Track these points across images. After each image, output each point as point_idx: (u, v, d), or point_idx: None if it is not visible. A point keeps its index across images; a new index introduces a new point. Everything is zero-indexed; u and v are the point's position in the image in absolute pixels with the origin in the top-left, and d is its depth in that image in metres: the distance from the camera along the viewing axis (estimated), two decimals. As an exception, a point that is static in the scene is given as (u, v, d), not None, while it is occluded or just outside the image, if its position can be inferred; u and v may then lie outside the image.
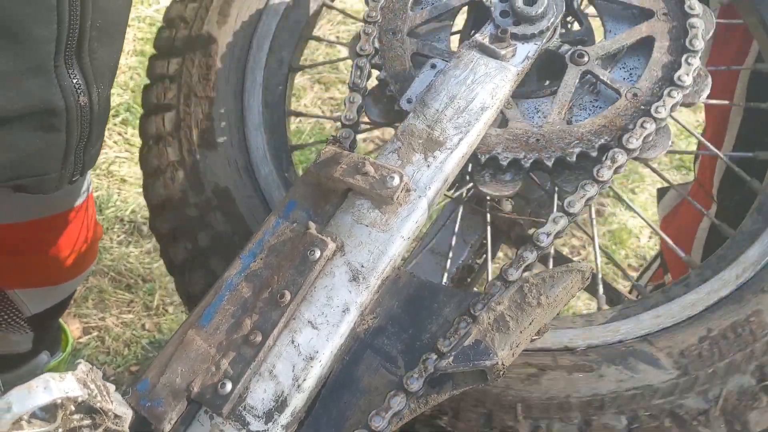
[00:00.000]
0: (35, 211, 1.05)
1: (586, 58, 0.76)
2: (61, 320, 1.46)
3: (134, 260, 2.20)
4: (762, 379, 0.68)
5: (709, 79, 0.76)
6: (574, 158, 0.73)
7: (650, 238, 2.66)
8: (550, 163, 0.74)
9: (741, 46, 1.12)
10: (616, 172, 0.72)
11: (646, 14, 0.78)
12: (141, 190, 2.43)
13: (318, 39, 1.00)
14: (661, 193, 1.48)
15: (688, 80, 0.74)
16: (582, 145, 0.73)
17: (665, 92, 0.73)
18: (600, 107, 0.77)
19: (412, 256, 0.96)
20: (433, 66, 0.77)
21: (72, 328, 2.08)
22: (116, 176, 2.38)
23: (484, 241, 1.01)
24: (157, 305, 2.11)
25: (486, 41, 0.75)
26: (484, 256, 1.01)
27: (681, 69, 0.74)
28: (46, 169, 0.80)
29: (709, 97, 1.26)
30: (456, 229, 0.93)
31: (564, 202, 0.70)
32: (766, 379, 0.68)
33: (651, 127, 0.72)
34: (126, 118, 2.51)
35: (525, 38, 0.76)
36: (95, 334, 2.03)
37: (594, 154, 0.73)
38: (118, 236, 2.25)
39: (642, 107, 0.74)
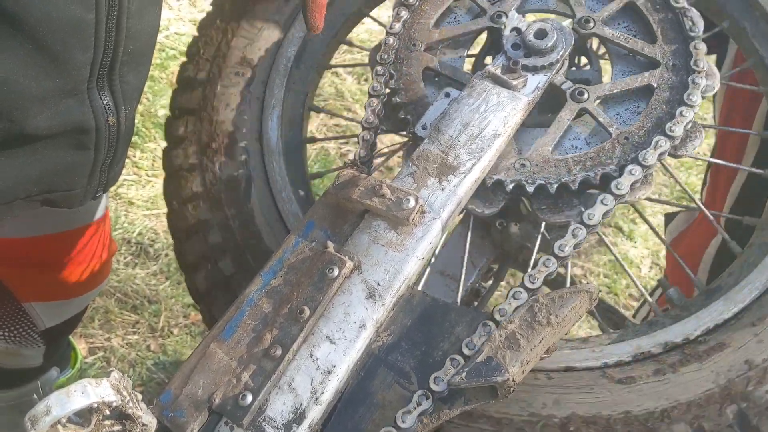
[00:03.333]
0: (57, 225, 1.08)
1: (585, 96, 0.80)
2: (70, 337, 1.48)
3: (140, 281, 2.22)
4: None
5: (702, 134, 0.79)
6: (554, 188, 0.77)
7: (651, 268, 2.69)
8: (531, 189, 0.77)
9: (747, 111, 1.16)
10: (604, 216, 0.75)
11: (653, 64, 0.82)
12: (148, 213, 2.46)
13: (331, 66, 1.03)
14: (669, 218, 1.51)
15: (678, 131, 0.77)
16: (565, 176, 0.77)
17: (654, 140, 0.77)
18: (588, 144, 0.80)
19: (422, 277, 0.98)
20: (447, 94, 0.81)
21: (78, 347, 2.09)
22: (124, 198, 2.42)
23: (492, 265, 1.04)
24: (162, 326, 2.13)
25: (498, 72, 0.79)
26: (491, 279, 1.03)
27: (673, 120, 0.77)
28: (73, 184, 0.83)
29: (719, 157, 1.29)
30: (465, 252, 0.96)
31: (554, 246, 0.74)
32: None
33: (637, 173, 0.75)
34: (134, 142, 2.55)
35: (535, 69, 0.80)
36: (101, 354, 2.05)
37: (573, 187, 0.77)
38: (125, 257, 2.28)
39: (630, 152, 0.77)
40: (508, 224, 0.91)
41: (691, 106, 0.77)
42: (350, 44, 1.06)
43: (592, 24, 0.84)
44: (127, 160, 2.52)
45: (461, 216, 0.93)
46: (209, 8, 1.06)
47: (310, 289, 0.70)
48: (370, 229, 0.72)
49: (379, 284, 0.70)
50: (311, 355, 0.68)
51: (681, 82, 0.79)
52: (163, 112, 2.67)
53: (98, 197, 0.89)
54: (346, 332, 0.68)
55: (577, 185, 0.76)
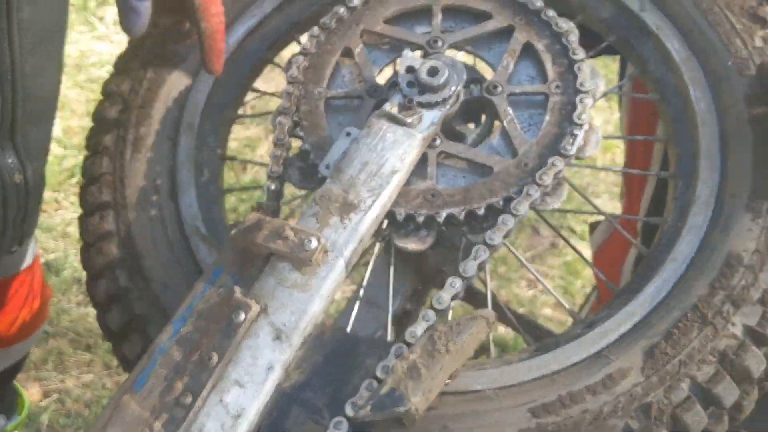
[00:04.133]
0: None
1: (436, 143, 0.84)
2: (16, 383, 1.47)
3: (93, 320, 2.20)
4: None
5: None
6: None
7: (603, 268, 2.74)
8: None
9: (650, 118, 1.21)
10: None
11: (514, 154, 0.85)
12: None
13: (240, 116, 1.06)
14: (593, 227, 1.56)
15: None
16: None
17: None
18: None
19: (349, 309, 1.01)
20: (348, 134, 0.84)
21: (31, 391, 2.07)
22: (72, 237, 2.40)
23: (416, 288, 1.07)
24: (117, 364, 2.11)
25: (394, 111, 0.82)
26: (415, 303, 1.07)
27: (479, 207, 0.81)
28: None
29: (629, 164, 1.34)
30: (389, 280, 0.99)
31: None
32: None
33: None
34: (79, 179, 2.54)
35: (430, 106, 0.83)
36: (55, 396, 2.03)
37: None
38: (77, 297, 2.26)
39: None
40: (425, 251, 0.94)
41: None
42: (259, 91, 1.08)
43: (498, 90, 0.87)
44: (75, 198, 2.50)
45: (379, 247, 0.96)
46: None
47: (219, 335, 0.72)
48: (275, 272, 0.75)
49: (285, 325, 0.72)
50: (221, 401, 0.70)
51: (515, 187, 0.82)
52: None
53: (14, 252, 0.90)
54: (254, 376, 0.70)
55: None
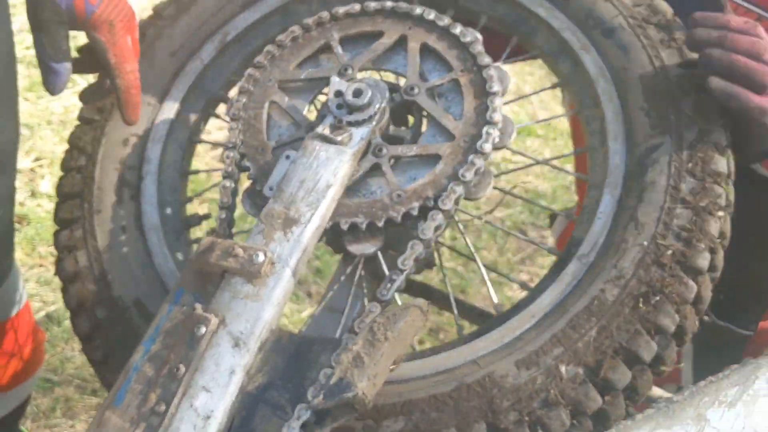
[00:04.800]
0: None
1: (383, 152, 0.93)
2: (23, 428, 1.55)
3: (97, 365, 2.29)
4: None
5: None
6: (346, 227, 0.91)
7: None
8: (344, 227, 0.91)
9: None
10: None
11: (451, 137, 0.94)
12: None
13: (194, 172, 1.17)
14: (552, 218, 1.65)
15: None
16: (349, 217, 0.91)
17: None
18: (373, 195, 0.93)
19: (312, 317, 1.09)
20: (288, 156, 0.93)
21: (30, 437, 2.14)
22: (71, 287, 2.48)
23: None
24: (124, 404, 2.18)
25: (326, 131, 0.92)
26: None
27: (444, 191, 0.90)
28: None
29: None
30: (350, 287, 1.07)
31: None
32: None
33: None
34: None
35: (358, 124, 0.92)
36: (66, 442, 2.10)
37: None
38: (79, 345, 2.34)
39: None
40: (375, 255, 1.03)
41: (463, 182, 0.89)
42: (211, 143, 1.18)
43: (415, 91, 0.97)
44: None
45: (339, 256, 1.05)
46: None
47: (184, 349, 0.80)
48: (229, 287, 0.83)
49: (242, 333, 0.81)
50: (191, 405, 0.78)
51: (463, 160, 0.91)
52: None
53: None
54: (218, 380, 0.79)
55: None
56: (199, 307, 0.83)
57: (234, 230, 0.98)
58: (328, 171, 0.89)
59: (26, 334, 1.28)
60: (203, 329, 0.80)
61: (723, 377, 0.71)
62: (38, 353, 1.34)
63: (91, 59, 1.04)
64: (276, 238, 0.85)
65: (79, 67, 1.04)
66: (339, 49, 1.01)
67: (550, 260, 2.87)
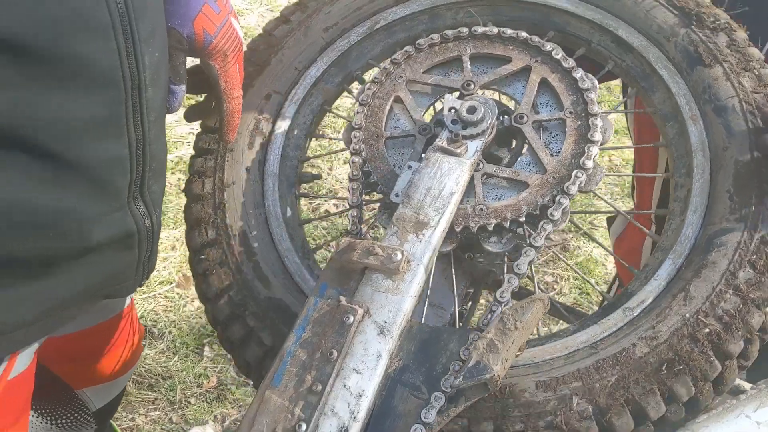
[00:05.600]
0: (98, 317, 1.27)
1: (525, 117, 1.06)
2: (112, 422, 1.65)
3: (151, 361, 2.38)
4: None
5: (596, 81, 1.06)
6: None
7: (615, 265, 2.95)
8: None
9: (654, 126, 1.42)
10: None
11: (543, 170, 1.04)
12: (145, 296, 2.61)
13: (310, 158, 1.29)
14: (610, 221, 1.76)
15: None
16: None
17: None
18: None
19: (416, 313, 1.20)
20: (410, 167, 1.04)
21: (118, 429, 2.24)
22: (122, 287, 2.58)
23: (468, 290, 1.26)
24: (180, 399, 2.29)
25: (445, 144, 1.03)
26: (470, 302, 1.26)
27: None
28: (125, 278, 1.03)
29: (638, 165, 1.55)
30: (447, 285, 1.18)
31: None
32: None
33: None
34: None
35: (472, 137, 1.04)
36: (128, 434, 2.20)
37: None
38: (133, 342, 2.44)
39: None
40: (474, 256, 1.14)
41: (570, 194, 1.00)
42: (321, 136, 1.30)
43: (524, 120, 1.07)
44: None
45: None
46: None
47: (334, 336, 0.91)
48: (371, 282, 0.94)
49: (386, 322, 0.91)
50: (344, 385, 0.88)
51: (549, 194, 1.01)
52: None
53: (143, 284, 1.10)
54: (367, 363, 0.89)
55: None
56: (344, 300, 0.93)
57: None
58: (451, 179, 1.00)
59: (133, 326, 1.38)
60: (351, 318, 0.91)
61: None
62: (139, 345, 1.44)
63: (199, 82, 1.14)
64: (410, 239, 0.96)
65: (191, 87, 1.15)
66: (468, 64, 1.12)
67: (573, 261, 2.98)
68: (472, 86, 1.10)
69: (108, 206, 0.93)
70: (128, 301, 1.35)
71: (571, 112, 1.06)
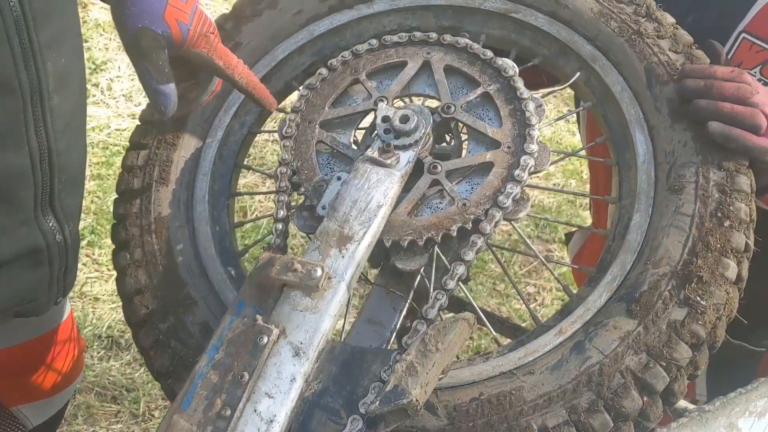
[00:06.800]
0: (29, 333, 1.23)
1: (438, 169, 0.99)
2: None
3: (116, 372, 2.33)
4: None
5: (528, 204, 0.98)
6: (405, 244, 0.95)
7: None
8: (387, 244, 0.95)
9: None
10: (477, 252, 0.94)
11: (495, 144, 1.02)
12: (114, 305, 2.56)
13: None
14: (568, 237, 1.71)
15: (507, 202, 0.95)
16: (413, 235, 0.95)
17: (489, 209, 0.95)
18: (439, 209, 0.98)
19: (353, 328, 1.15)
20: (339, 178, 0.99)
21: (66, 444, 2.18)
22: (89, 296, 2.54)
23: (410, 305, 1.21)
24: (143, 411, 2.24)
25: (375, 154, 0.98)
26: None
27: (503, 193, 0.96)
28: (36, 295, 0.99)
29: (593, 180, 1.50)
30: (388, 300, 1.13)
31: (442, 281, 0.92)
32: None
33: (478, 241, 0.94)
34: (92, 240, 2.68)
35: (404, 148, 0.99)
36: (88, 448, 2.15)
37: (420, 243, 0.95)
38: (98, 352, 2.39)
39: (467, 216, 0.95)
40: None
41: (519, 182, 0.95)
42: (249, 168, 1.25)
43: (452, 109, 1.04)
44: (87, 259, 2.65)
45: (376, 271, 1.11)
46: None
47: (247, 357, 0.86)
48: (289, 299, 0.89)
49: (302, 343, 0.86)
50: (255, 410, 0.83)
51: (515, 161, 0.97)
52: (115, 208, 2.81)
53: (59, 302, 1.05)
54: (280, 387, 0.84)
55: (422, 242, 0.94)
56: (260, 319, 0.88)
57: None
58: (378, 192, 0.95)
59: (72, 341, 1.34)
60: (265, 339, 0.86)
61: (752, 389, 0.77)
62: (80, 360, 1.39)
63: (182, 72, 1.07)
64: (332, 254, 0.91)
65: (177, 78, 1.08)
66: (368, 83, 1.09)
67: (557, 272, 2.93)
68: (385, 102, 1.06)
69: (11, 220, 0.89)
70: (64, 315, 1.30)
71: (489, 85, 1.04)
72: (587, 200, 3.06)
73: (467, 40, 1.08)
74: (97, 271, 2.61)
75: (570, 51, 1.11)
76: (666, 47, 1.07)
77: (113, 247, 1.11)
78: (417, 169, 1.00)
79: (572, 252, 1.67)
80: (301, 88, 1.12)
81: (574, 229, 1.76)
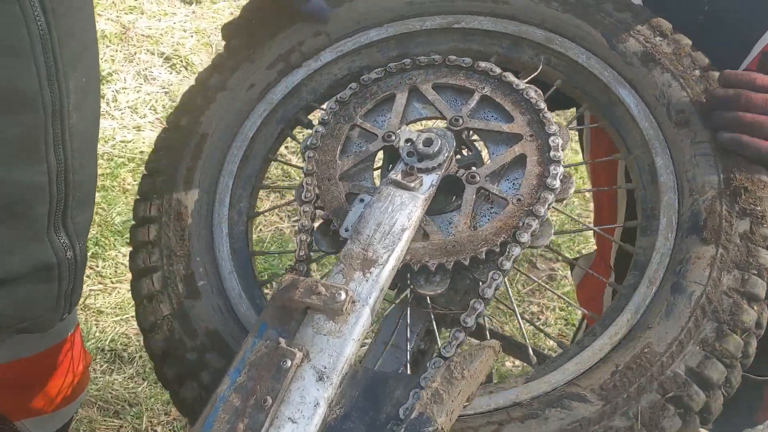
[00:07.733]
0: (34, 347, 1.21)
1: (477, 178, 0.99)
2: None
3: (119, 386, 2.31)
4: (664, 393, 0.87)
5: (573, 179, 0.99)
6: (483, 255, 0.95)
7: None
8: (466, 262, 0.95)
9: (611, 142, 1.38)
10: (514, 261, 0.94)
11: (517, 137, 1.02)
12: (117, 318, 2.55)
13: (268, 187, 1.22)
14: (572, 265, 1.71)
15: (556, 183, 0.97)
16: (487, 245, 0.95)
17: (541, 195, 0.96)
18: (496, 213, 0.99)
19: (371, 351, 1.14)
20: (362, 200, 0.99)
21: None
22: (92, 309, 2.52)
23: (429, 328, 1.20)
24: (146, 427, 2.21)
25: (399, 177, 0.98)
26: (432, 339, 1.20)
27: (549, 176, 0.97)
28: (43, 312, 0.98)
29: (596, 184, 1.52)
30: (405, 323, 1.12)
31: (480, 289, 0.91)
32: (668, 393, 0.87)
33: (535, 223, 0.95)
34: (96, 252, 2.67)
35: (428, 171, 0.98)
36: (89, 464, 2.12)
37: (497, 249, 0.95)
38: (101, 366, 2.37)
39: (526, 209, 0.96)
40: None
41: (558, 162, 0.98)
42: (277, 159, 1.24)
43: (461, 121, 1.05)
44: (91, 271, 2.63)
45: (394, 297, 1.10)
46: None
47: (270, 381, 0.85)
48: (312, 323, 0.88)
49: (325, 368, 0.86)
50: (278, 436, 0.82)
51: (544, 145, 1.00)
52: (119, 219, 2.80)
53: (65, 318, 1.04)
54: (303, 412, 0.83)
55: (498, 248, 0.95)
56: (283, 342, 0.87)
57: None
58: (403, 215, 0.94)
59: (79, 353, 1.33)
60: (288, 363, 0.85)
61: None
62: (85, 375, 1.38)
63: None
64: (356, 277, 0.90)
65: None
66: (401, 103, 1.09)
67: (560, 291, 2.93)
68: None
69: (24, 235, 0.88)
70: (70, 329, 1.29)
71: (483, 88, 1.07)
72: (590, 218, 3.07)
73: (442, 58, 1.10)
74: (100, 283, 2.59)
75: (523, 40, 1.14)
76: (611, 8, 1.11)
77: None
78: (453, 186, 1.01)
79: (577, 279, 1.67)
80: (306, 150, 1.09)
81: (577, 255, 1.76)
